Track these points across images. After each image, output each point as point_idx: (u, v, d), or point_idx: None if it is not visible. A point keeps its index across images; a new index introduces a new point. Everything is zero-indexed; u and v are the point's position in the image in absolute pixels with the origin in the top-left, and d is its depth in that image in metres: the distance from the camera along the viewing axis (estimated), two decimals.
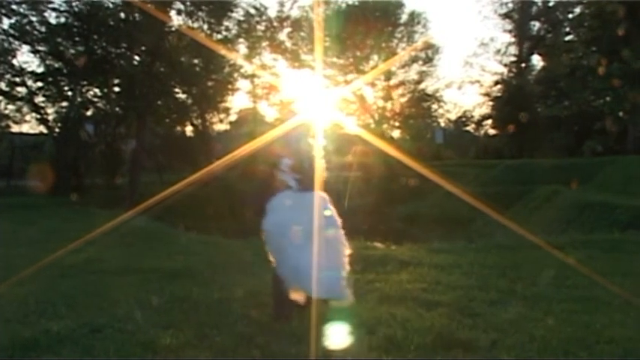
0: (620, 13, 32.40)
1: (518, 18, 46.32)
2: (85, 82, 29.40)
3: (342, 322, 6.02)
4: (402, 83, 43.53)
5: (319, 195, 6.36)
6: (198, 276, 8.37)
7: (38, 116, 30.54)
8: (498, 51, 47.33)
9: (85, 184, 29.99)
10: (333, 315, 6.12)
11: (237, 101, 62.60)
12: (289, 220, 6.12)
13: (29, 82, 29.51)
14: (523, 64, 46.87)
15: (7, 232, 14.56)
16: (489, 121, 48.30)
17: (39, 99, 29.87)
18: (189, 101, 32.92)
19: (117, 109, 30.38)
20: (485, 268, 9.21)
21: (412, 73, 43.80)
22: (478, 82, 47.38)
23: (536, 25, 46.76)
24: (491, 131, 49.28)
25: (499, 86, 46.02)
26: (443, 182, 16.76)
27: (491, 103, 46.83)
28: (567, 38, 42.94)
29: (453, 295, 7.51)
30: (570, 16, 43.06)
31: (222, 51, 29.92)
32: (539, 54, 46.48)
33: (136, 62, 28.81)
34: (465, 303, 7.11)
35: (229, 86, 34.59)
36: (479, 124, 49.84)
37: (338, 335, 5.75)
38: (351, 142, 31.98)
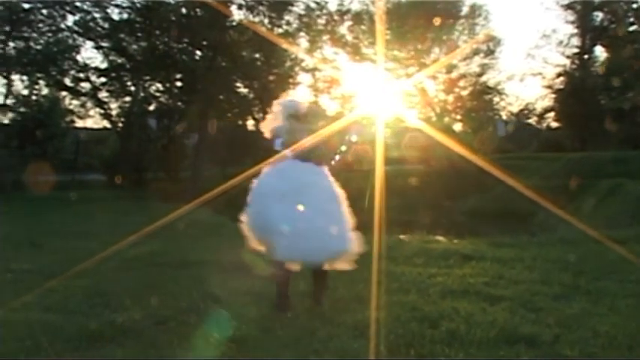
0: None
1: (581, 9, 45.44)
2: (147, 78, 29.90)
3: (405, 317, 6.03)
4: (463, 76, 43.02)
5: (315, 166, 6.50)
6: (260, 269, 8.26)
7: (102, 111, 31.13)
8: (561, 42, 46.42)
9: (148, 177, 30.55)
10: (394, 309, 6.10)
11: (299, 95, 62.57)
12: (271, 186, 6.45)
13: (93, 78, 30.16)
14: (586, 56, 46.05)
15: (70, 225, 14.98)
16: (552, 114, 47.64)
17: (102, 94, 30.54)
18: (251, 95, 33.16)
19: (179, 103, 30.78)
20: (548, 263, 9.13)
21: (474, 66, 43.31)
22: (540, 74, 46.54)
23: (599, 15, 45.84)
24: (554, 124, 48.62)
25: (561, 78, 45.27)
26: (504, 176, 16.58)
27: (553, 95, 46.06)
28: (631, 29, 42.11)
29: (516, 289, 7.46)
30: (634, 6, 42.24)
31: (283, 45, 29.89)
32: (603, 45, 45.61)
33: (197, 57, 29.09)
34: (527, 297, 7.04)
35: (290, 80, 34.37)
36: (541, 116, 49.09)
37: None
38: (412, 135, 31.76)
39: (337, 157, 6.51)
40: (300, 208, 6.21)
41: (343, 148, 6.50)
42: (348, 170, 5.54)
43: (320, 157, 6.54)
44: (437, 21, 36.63)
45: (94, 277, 8.24)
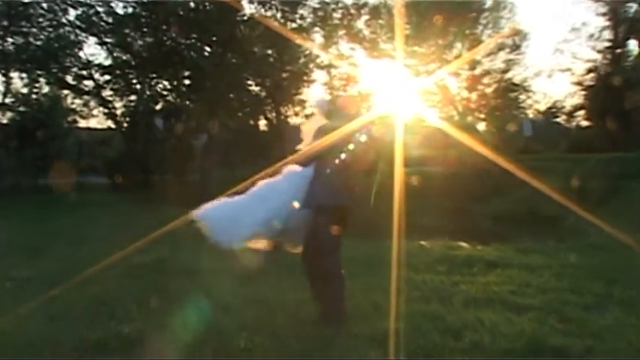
0: None
1: (613, 0, 45.31)
2: (153, 75, 29.73)
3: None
4: (487, 72, 42.91)
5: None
6: (272, 277, 8.41)
7: (106, 110, 31.02)
8: (591, 36, 46.10)
9: (155, 180, 30.44)
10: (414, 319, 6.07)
11: (313, 93, 62.38)
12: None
13: (96, 75, 29.92)
14: (618, 50, 45.78)
15: (74, 229, 14.95)
16: (581, 112, 47.42)
17: (106, 92, 30.34)
18: (263, 94, 32.94)
19: (187, 102, 30.61)
20: (578, 270, 9.11)
21: (498, 62, 43.18)
22: (569, 70, 46.27)
23: (632, 7, 45.55)
24: (584, 123, 48.38)
25: (592, 74, 45.07)
26: (531, 177, 16.51)
27: (583, 92, 45.86)
28: None
29: (544, 298, 7.46)
30: None
31: (297, 40, 29.81)
32: (637, 38, 45.39)
33: (206, 53, 28.95)
34: (556, 307, 7.05)
35: (305, 77, 34.27)
36: (570, 115, 48.81)
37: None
38: (433, 135, 31.66)
39: (343, 156, 6.40)
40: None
41: (351, 146, 6.41)
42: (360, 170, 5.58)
43: (324, 158, 6.57)
44: (459, 14, 36.52)
45: (98, 285, 8.26)
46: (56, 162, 26.84)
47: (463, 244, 11.80)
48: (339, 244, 6.50)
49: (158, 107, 31.01)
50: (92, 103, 31.38)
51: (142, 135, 30.09)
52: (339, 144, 6.42)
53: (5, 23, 27.35)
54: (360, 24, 39.39)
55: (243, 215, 6.52)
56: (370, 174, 6.70)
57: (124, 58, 29.92)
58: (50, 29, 28.60)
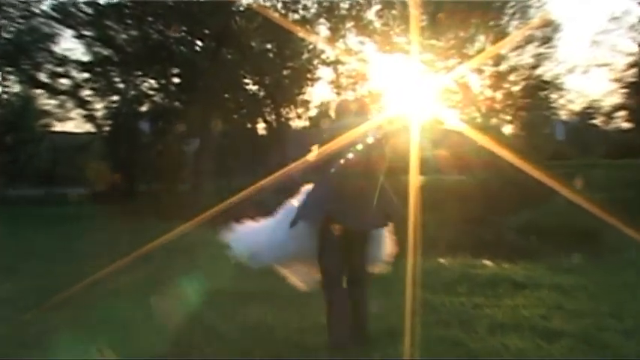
0: None
1: None
2: (139, 73, 29.76)
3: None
4: (514, 69, 42.71)
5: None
6: (276, 299, 8.39)
7: (84, 112, 31.07)
8: (633, 26, 46.16)
9: (140, 191, 30.36)
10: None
11: (318, 93, 62.28)
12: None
13: (73, 73, 29.98)
14: None
15: (49, 246, 14.92)
16: (622, 113, 47.34)
17: (85, 92, 30.45)
18: (262, 93, 33.10)
19: (176, 103, 30.69)
20: (618, 291, 9.07)
21: (526, 57, 42.90)
22: (608, 65, 46.24)
23: None
24: (624, 124, 48.32)
25: (634, 70, 44.98)
26: (564, 186, 16.52)
27: (624, 90, 45.80)
28: None
29: (579, 323, 7.41)
30: None
31: (300, 33, 29.82)
32: None
33: (198, 48, 29.01)
34: (592, 333, 7.00)
35: (308, 75, 34.42)
36: (609, 116, 48.73)
37: None
38: (452, 139, 31.54)
39: (349, 156, 6.42)
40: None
41: (359, 146, 6.43)
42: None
43: (330, 159, 6.60)
44: (482, 3, 36.42)
45: (77, 309, 8.27)
46: (28, 170, 26.83)
47: (487, 261, 11.69)
48: (339, 261, 6.58)
49: (144, 109, 31.07)
50: (69, 104, 31.53)
51: (126, 140, 30.01)
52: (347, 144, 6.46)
53: None
54: (370, 15, 39.19)
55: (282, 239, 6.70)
56: (372, 177, 6.61)
57: (105, 53, 29.90)
58: (21, 20, 28.55)
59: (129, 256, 10.27)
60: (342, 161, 6.46)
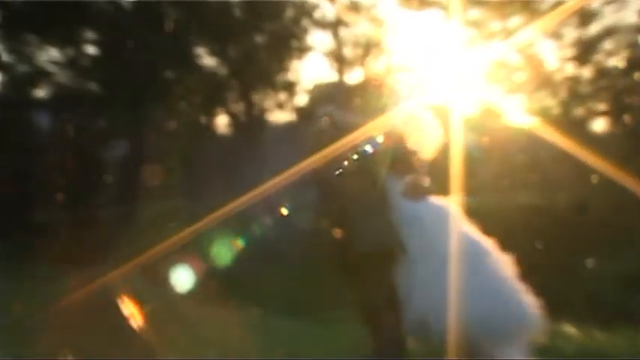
0: None
1: None
2: (32, 38, 24.27)
3: None
4: (610, 32, 35.89)
5: None
6: None
7: None
8: None
9: (37, 220, 23.81)
10: None
11: (310, 70, 53.64)
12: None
13: None
14: None
15: None
16: None
17: None
18: (223, 71, 28.03)
19: (92, 85, 25.11)
20: None
21: (628, 13, 35.96)
22: None
23: None
24: None
25: None
26: None
27: None
28: None
29: None
30: None
31: None
32: None
33: (125, 4, 23.77)
34: None
35: (294, 43, 28.60)
36: None
37: None
38: (514, 141, 25.49)
39: (346, 164, 5.70)
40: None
41: (355, 156, 5.71)
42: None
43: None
44: None
45: None
46: None
47: (570, 327, 9.69)
48: None
49: (41, 93, 25.53)
50: None
51: (13, 139, 23.82)
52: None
53: None
54: None
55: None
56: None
57: None
58: None
59: (14, 332, 8.44)
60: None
